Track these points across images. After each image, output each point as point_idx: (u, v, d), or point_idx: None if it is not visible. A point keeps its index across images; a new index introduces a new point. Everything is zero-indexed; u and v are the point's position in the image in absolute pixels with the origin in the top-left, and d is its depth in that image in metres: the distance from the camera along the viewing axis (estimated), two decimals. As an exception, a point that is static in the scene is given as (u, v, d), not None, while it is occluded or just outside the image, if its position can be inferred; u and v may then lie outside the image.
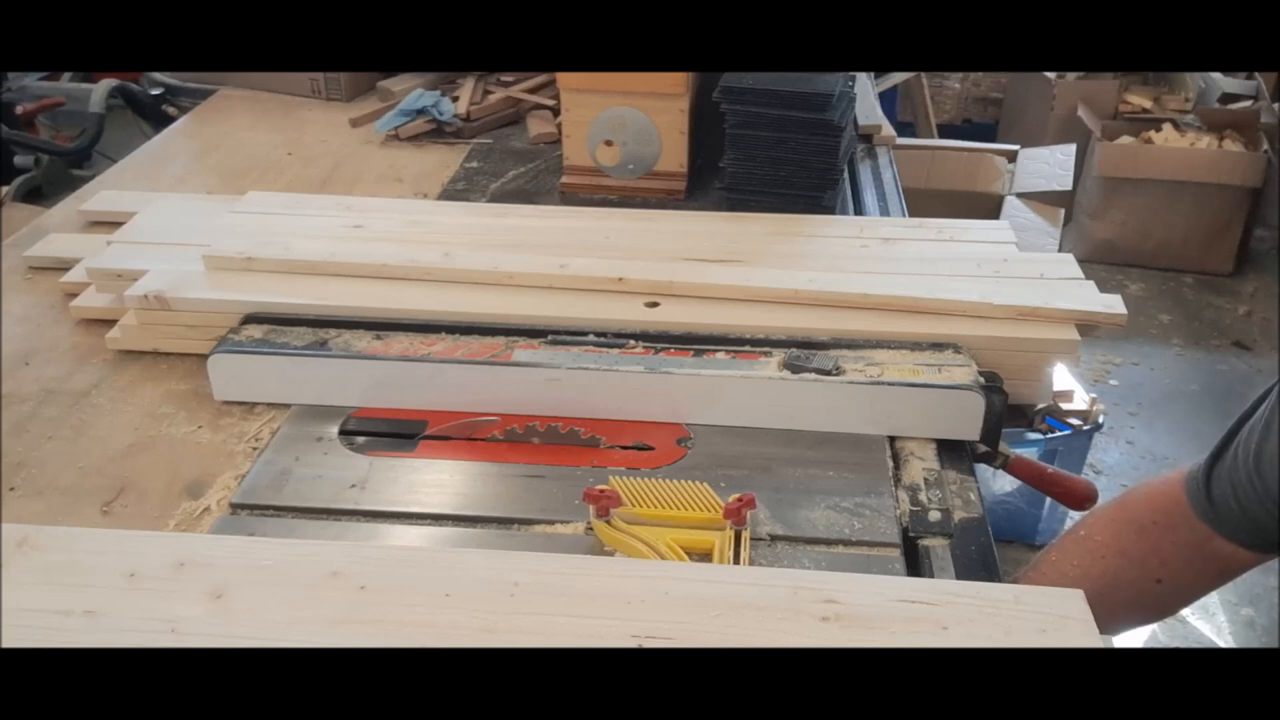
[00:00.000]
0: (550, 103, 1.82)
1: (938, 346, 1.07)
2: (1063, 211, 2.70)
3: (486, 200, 1.54)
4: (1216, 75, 3.80)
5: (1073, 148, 2.94)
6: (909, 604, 0.75)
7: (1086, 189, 3.64)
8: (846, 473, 0.99)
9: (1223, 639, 2.35)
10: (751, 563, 0.87)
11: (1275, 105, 3.62)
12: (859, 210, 1.55)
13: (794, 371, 1.04)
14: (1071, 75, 3.80)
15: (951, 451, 1.04)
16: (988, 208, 2.74)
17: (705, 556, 0.86)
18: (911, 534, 0.93)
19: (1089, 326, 1.10)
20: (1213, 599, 2.39)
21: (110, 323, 1.20)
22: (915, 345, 1.08)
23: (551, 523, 0.93)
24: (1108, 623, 0.75)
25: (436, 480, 0.99)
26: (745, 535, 0.88)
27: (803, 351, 1.06)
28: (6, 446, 1.05)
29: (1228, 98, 3.73)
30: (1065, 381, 2.35)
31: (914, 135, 3.51)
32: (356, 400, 1.08)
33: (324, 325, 1.11)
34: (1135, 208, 3.59)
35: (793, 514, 0.94)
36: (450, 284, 1.17)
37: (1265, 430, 0.83)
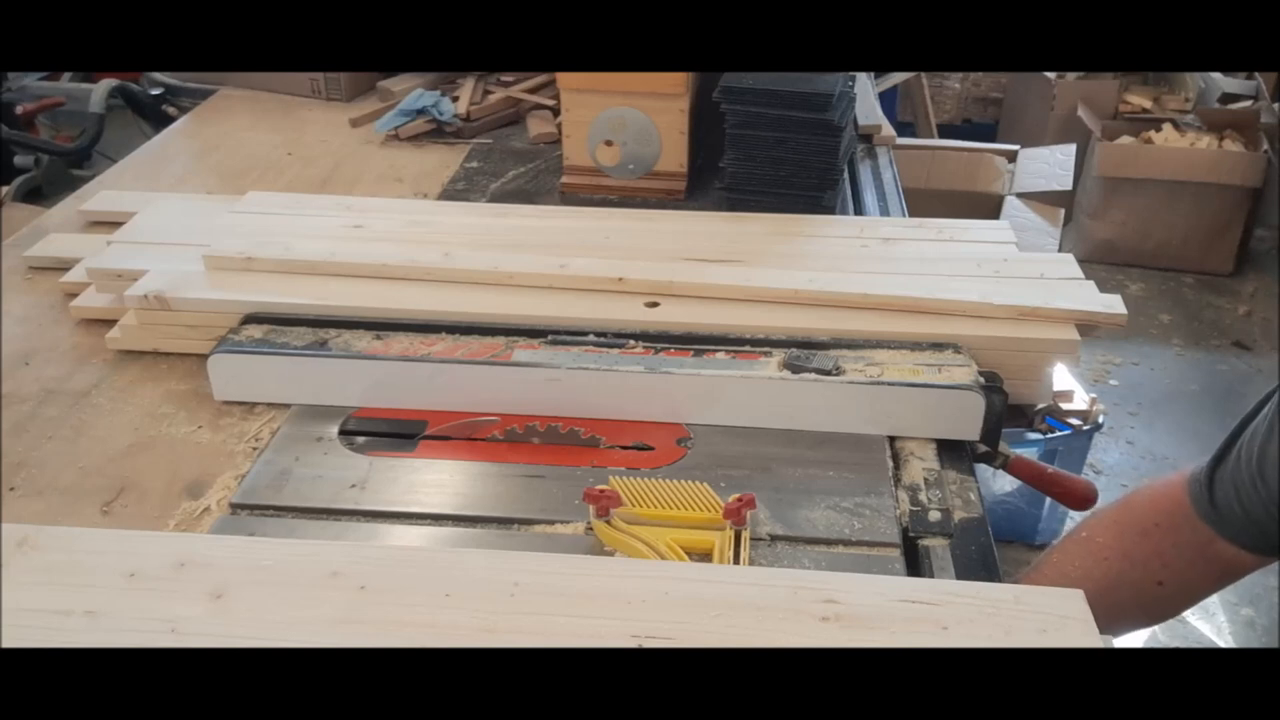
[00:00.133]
0: (550, 103, 1.82)
1: (938, 346, 1.07)
2: (1063, 211, 2.70)
3: (486, 200, 1.54)
4: (1216, 75, 3.80)
5: (1073, 148, 2.94)
6: (909, 604, 0.75)
7: (1086, 189, 3.64)
8: (846, 473, 0.99)
9: (1223, 639, 2.35)
10: (751, 563, 0.87)
11: (1275, 105, 3.62)
12: (859, 210, 1.55)
13: (794, 371, 1.04)
14: (1071, 75, 3.80)
15: (951, 451, 1.04)
16: (988, 208, 2.74)
17: (705, 556, 0.86)
18: (911, 534, 0.93)
19: (1089, 326, 1.10)
20: (1213, 599, 2.39)
21: (110, 323, 1.20)
22: (915, 345, 1.08)
23: (551, 523, 0.93)
24: (1109, 625, 0.75)
25: (436, 480, 0.99)
26: (745, 535, 0.88)
27: (803, 351, 1.06)
28: (6, 446, 1.05)
29: (1228, 98, 3.73)
30: (1065, 381, 2.35)
31: (914, 135, 3.51)
32: (356, 400, 1.08)
33: (324, 325, 1.11)
34: (1135, 208, 3.59)
35: (793, 514, 0.94)
36: (450, 284, 1.17)
37: (1268, 433, 0.83)
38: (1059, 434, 2.34)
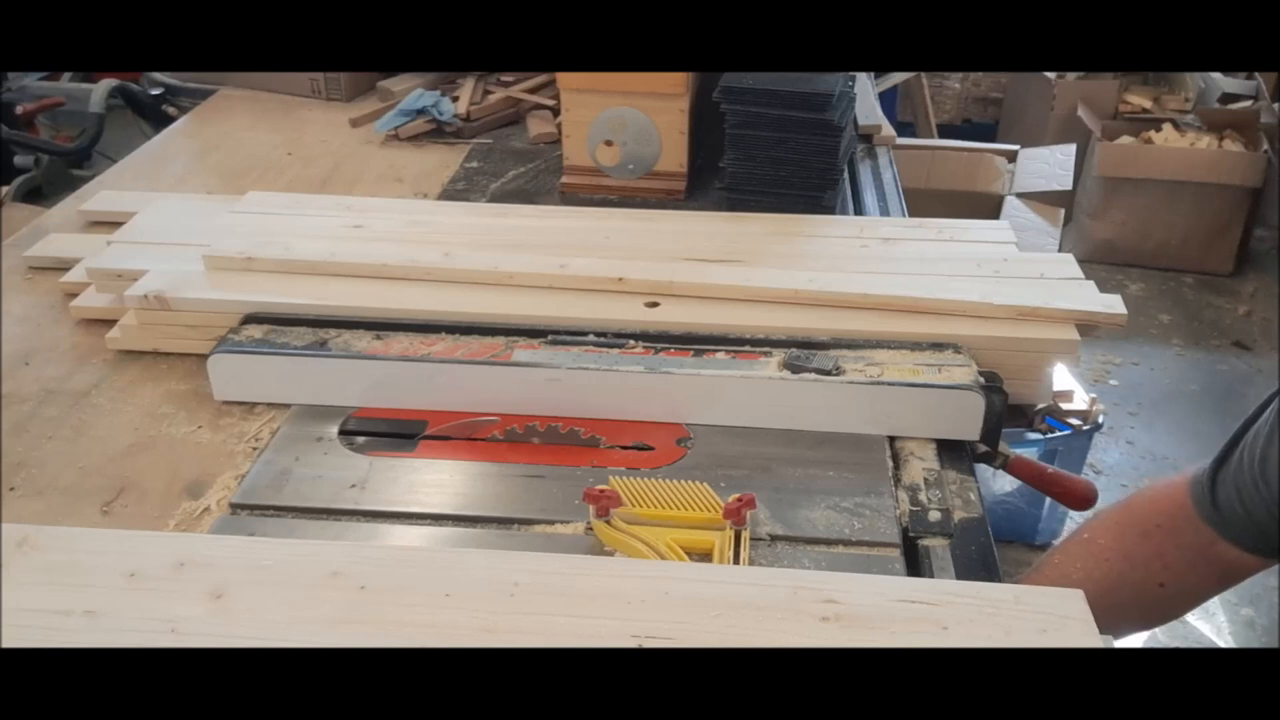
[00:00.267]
0: (550, 103, 1.82)
1: (938, 346, 1.07)
2: (1063, 211, 2.70)
3: (486, 200, 1.54)
4: (1216, 75, 3.80)
5: (1073, 148, 2.94)
6: (909, 604, 0.75)
7: (1086, 189, 3.64)
8: (846, 473, 0.99)
9: (1223, 639, 2.35)
10: (751, 563, 0.87)
11: (1275, 105, 3.62)
12: (859, 210, 1.55)
13: (794, 371, 1.04)
14: (1071, 75, 3.80)
15: (951, 451, 1.04)
16: (988, 208, 2.74)
17: (705, 556, 0.86)
18: (911, 534, 0.93)
19: (1089, 326, 1.10)
20: (1212, 599, 2.39)
21: (110, 323, 1.20)
22: (915, 345, 1.08)
23: (551, 523, 0.93)
24: (1110, 626, 0.75)
25: (436, 480, 0.99)
26: (745, 535, 0.88)
27: (803, 351, 1.06)
28: (6, 446, 1.05)
29: (1228, 98, 3.73)
30: (1065, 381, 2.35)
31: (914, 135, 3.51)
32: (356, 400, 1.08)
33: (324, 325, 1.11)
34: (1135, 208, 3.59)
35: (793, 514, 0.94)
36: (450, 284, 1.17)
37: (1270, 435, 0.83)
38: (1059, 434, 2.34)
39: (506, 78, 1.91)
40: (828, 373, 1.03)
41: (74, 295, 1.26)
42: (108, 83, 2.14)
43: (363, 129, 1.81)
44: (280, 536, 0.90)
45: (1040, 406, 1.13)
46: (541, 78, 1.89)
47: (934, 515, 0.95)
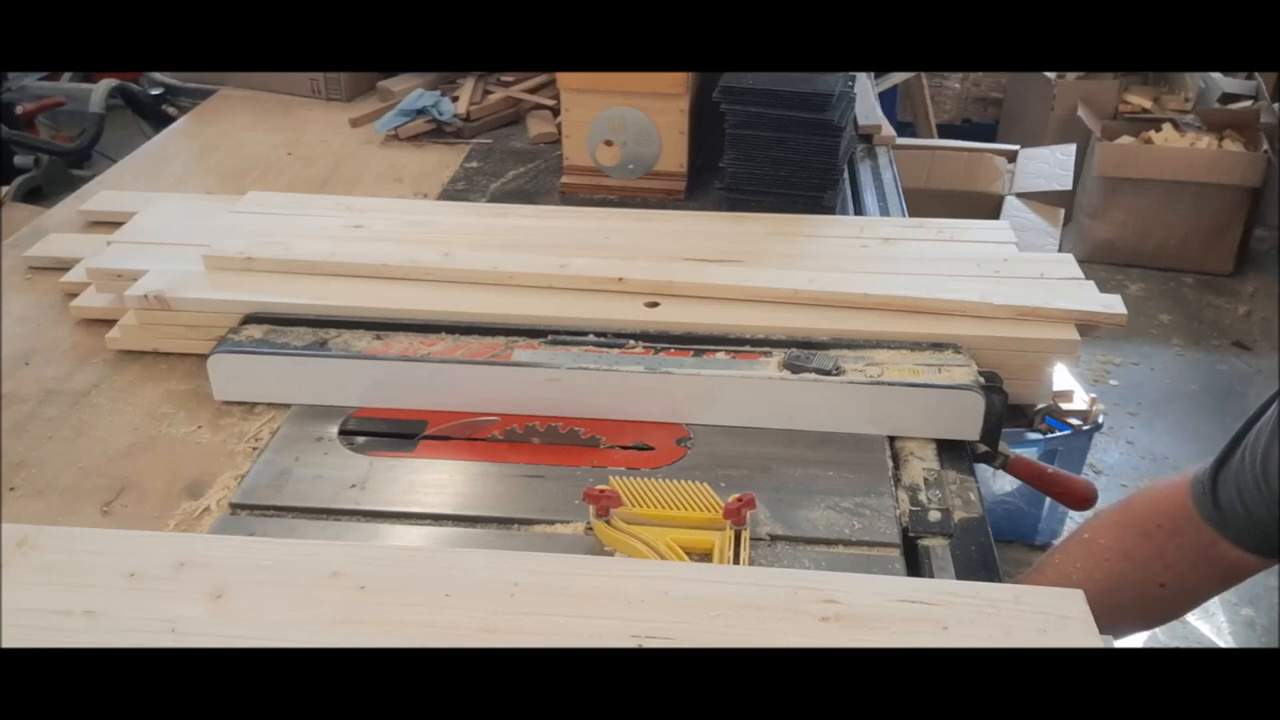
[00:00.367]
0: (550, 103, 1.82)
1: (938, 346, 1.07)
2: (1063, 211, 2.70)
3: (486, 200, 1.54)
4: (1216, 75, 3.80)
5: (1073, 148, 2.94)
6: (909, 604, 0.75)
7: (1086, 189, 3.64)
8: (846, 473, 0.99)
9: (1223, 639, 2.35)
10: (751, 563, 0.87)
11: (1275, 105, 3.62)
12: (859, 210, 1.55)
13: (794, 371, 1.04)
14: (1071, 75, 3.80)
15: (951, 451, 1.04)
16: (988, 208, 2.74)
17: (705, 556, 0.86)
18: (911, 534, 0.93)
19: (1089, 326, 1.10)
20: (1213, 600, 2.39)
21: (110, 323, 1.20)
22: (915, 345, 1.08)
23: (551, 523, 0.93)
24: (1111, 626, 0.75)
25: (436, 480, 0.99)
26: (745, 535, 0.88)
27: (803, 351, 1.06)
28: (6, 446, 1.05)
29: (1228, 98, 3.73)
30: (1065, 381, 2.35)
31: (914, 135, 3.51)
32: (356, 400, 1.08)
33: (324, 325, 1.11)
34: (1135, 208, 3.59)
35: (793, 514, 0.94)
36: (450, 284, 1.17)
37: (1272, 434, 0.83)
38: (1059, 434, 2.34)
39: (506, 78, 1.91)
40: (828, 373, 1.03)
41: (74, 295, 1.26)
42: (108, 83, 2.14)
43: (363, 129, 1.81)
44: (280, 536, 0.90)
45: (1040, 406, 1.13)
46: (541, 78, 1.89)
47: (934, 515, 0.95)
